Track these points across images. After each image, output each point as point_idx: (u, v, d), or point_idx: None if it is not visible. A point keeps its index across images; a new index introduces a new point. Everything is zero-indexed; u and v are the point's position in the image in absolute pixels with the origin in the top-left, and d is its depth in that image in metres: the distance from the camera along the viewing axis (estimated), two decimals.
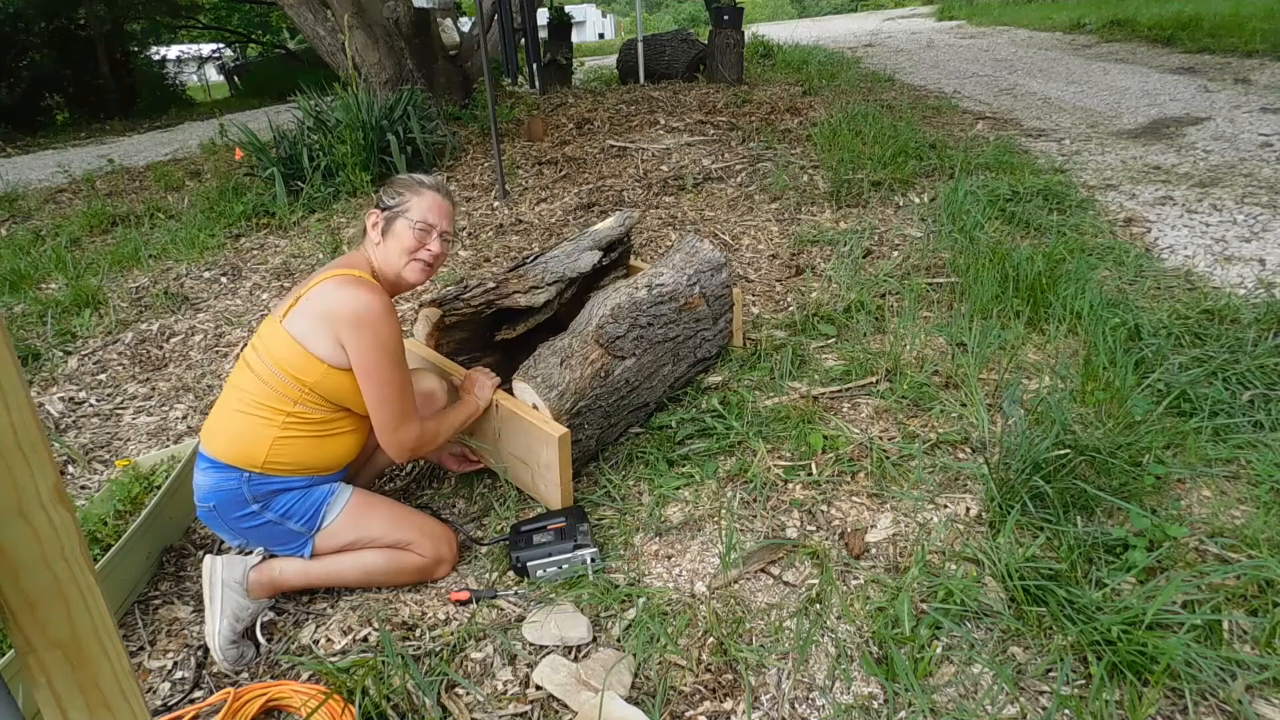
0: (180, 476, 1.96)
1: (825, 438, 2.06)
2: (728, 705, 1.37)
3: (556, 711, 1.39)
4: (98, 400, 2.76)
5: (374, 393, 1.57)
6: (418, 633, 1.59)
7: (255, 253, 4.15)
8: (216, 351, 3.04)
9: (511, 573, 1.72)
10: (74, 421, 2.62)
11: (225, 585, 1.58)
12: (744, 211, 4.05)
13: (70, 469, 2.35)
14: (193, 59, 20.90)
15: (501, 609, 1.63)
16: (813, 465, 1.99)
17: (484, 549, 1.82)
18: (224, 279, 3.81)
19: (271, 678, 1.52)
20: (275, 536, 1.62)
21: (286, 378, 1.54)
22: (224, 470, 1.56)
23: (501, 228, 4.15)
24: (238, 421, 1.56)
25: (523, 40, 7.75)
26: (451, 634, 1.57)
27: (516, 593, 1.67)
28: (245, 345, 1.68)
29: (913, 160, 4.42)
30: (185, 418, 2.59)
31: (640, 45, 8.86)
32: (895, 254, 3.31)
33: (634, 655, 1.46)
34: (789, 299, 3.01)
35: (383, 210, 1.69)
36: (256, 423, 1.55)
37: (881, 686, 1.37)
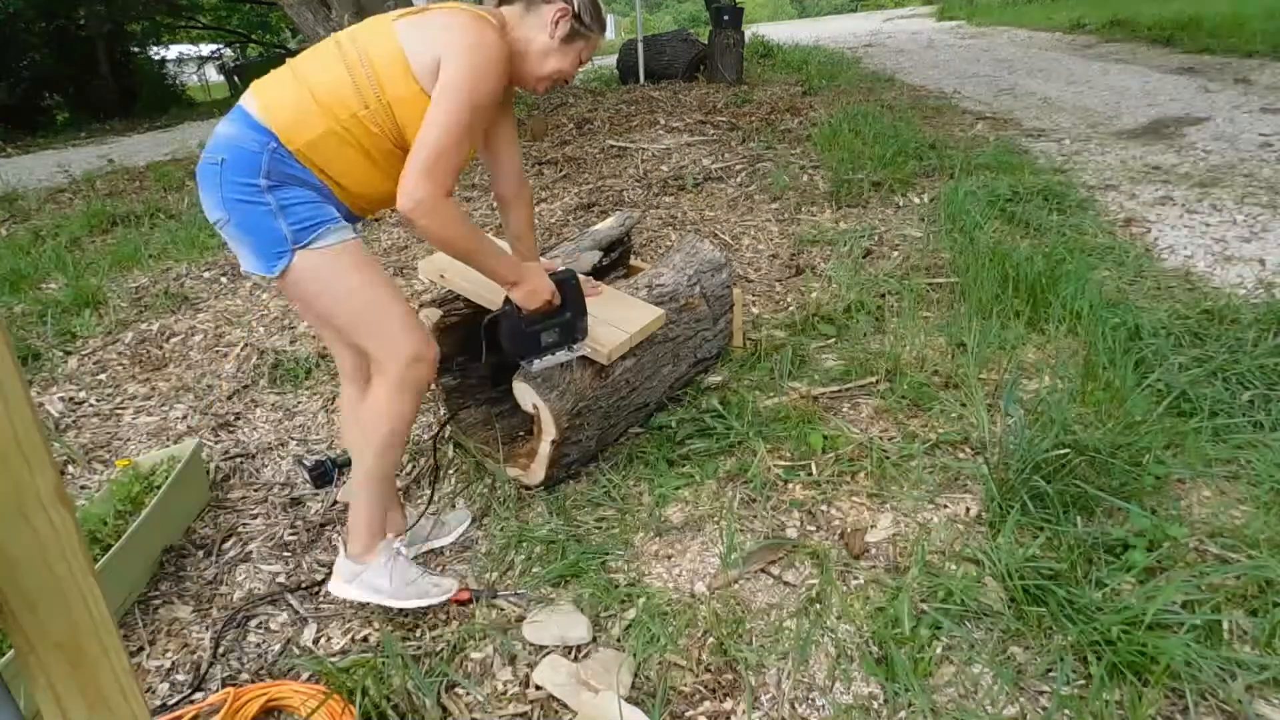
0: (180, 476, 1.96)
1: (825, 438, 2.06)
2: (728, 705, 1.37)
3: (556, 711, 1.39)
4: (98, 400, 2.76)
5: (433, 120, 1.38)
6: (418, 633, 1.59)
7: None
8: (216, 351, 3.04)
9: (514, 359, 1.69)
10: (74, 421, 2.62)
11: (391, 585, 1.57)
12: (744, 211, 4.05)
13: (70, 469, 2.35)
14: (193, 59, 20.91)
15: (501, 609, 1.63)
16: (813, 465, 1.99)
17: (484, 551, 1.82)
18: (224, 279, 3.81)
19: (271, 678, 1.52)
20: (256, 229, 1.41)
21: (372, 77, 1.41)
22: (257, 130, 1.39)
23: (502, 228, 4.14)
24: (303, 95, 1.41)
25: None
26: (452, 634, 1.57)
27: (516, 593, 1.67)
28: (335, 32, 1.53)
29: (913, 160, 4.42)
30: (185, 418, 2.59)
31: (640, 45, 8.86)
32: (895, 254, 3.31)
33: (634, 655, 1.46)
34: (789, 299, 3.01)
35: (575, 18, 1.54)
36: (319, 108, 1.40)
37: (881, 686, 1.37)
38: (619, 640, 1.52)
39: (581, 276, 1.85)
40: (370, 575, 1.57)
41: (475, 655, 1.52)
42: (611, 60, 10.27)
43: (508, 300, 1.63)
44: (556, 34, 1.54)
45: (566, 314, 1.69)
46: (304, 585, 1.78)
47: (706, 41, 8.38)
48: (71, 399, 2.77)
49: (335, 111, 1.40)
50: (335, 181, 1.46)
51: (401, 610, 1.63)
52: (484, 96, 1.42)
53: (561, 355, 1.73)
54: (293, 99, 1.41)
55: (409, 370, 1.50)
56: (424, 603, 1.58)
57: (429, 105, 1.40)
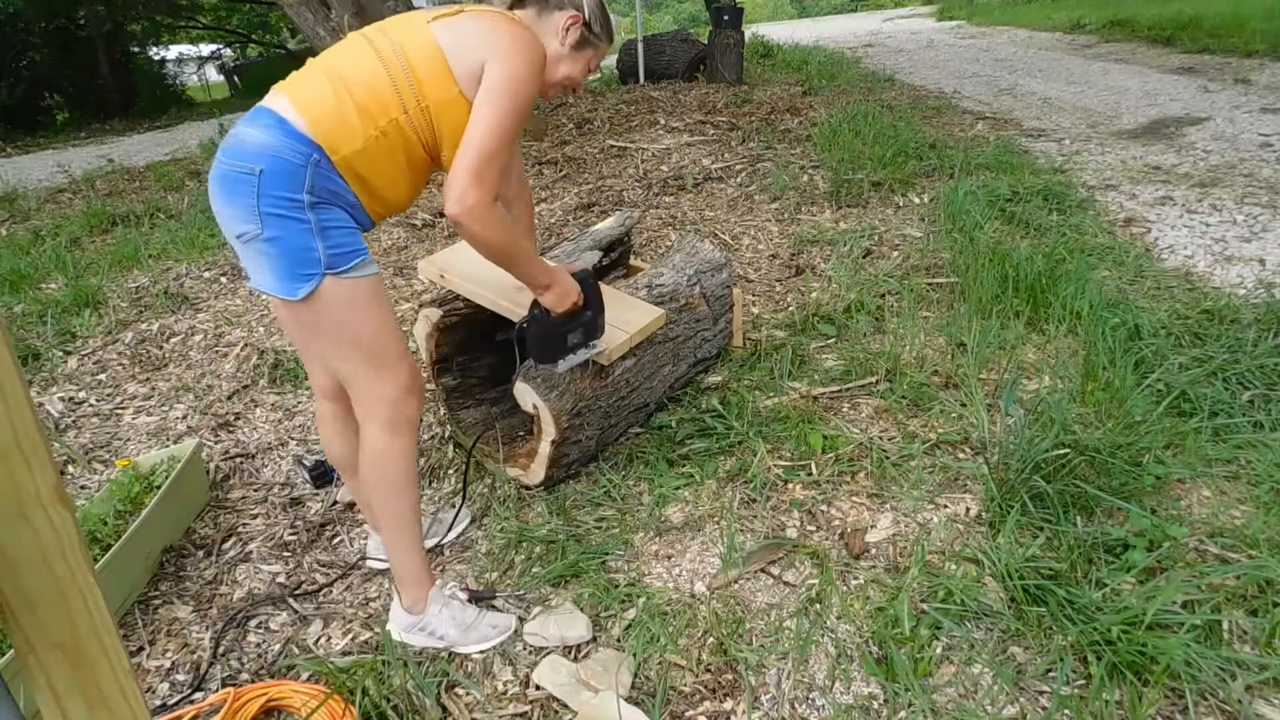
0: (180, 476, 1.96)
1: (825, 438, 2.06)
2: (728, 705, 1.37)
3: (556, 712, 1.39)
4: (98, 400, 2.76)
5: (481, 121, 1.34)
6: None
7: None
8: (216, 351, 3.04)
9: (532, 360, 1.70)
10: (74, 421, 2.62)
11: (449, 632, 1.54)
12: (744, 211, 4.05)
13: (70, 469, 2.35)
14: (193, 59, 20.92)
15: (501, 609, 1.63)
16: (813, 465, 1.99)
17: (484, 551, 1.82)
18: (224, 279, 3.81)
19: (271, 678, 1.52)
20: (291, 247, 1.32)
21: (412, 80, 1.36)
22: (299, 140, 1.30)
23: None
24: (344, 100, 1.33)
25: None
26: None
27: (516, 594, 1.67)
28: (358, 32, 1.48)
29: (913, 160, 4.42)
30: (185, 418, 2.59)
31: (640, 45, 8.86)
32: (895, 254, 3.31)
33: (634, 655, 1.46)
34: (789, 299, 3.01)
35: (585, 26, 1.53)
36: (359, 114, 1.34)
37: (881, 686, 1.37)
38: (619, 640, 1.52)
39: None
40: (428, 623, 1.54)
41: (475, 655, 1.52)
42: (611, 60, 10.27)
43: (536, 304, 1.62)
44: (567, 41, 1.53)
45: (588, 312, 1.70)
46: (304, 586, 1.78)
47: (706, 41, 8.38)
48: (71, 399, 2.77)
49: (375, 116, 1.35)
50: (370, 190, 1.41)
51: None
52: (529, 98, 1.41)
53: (582, 354, 1.75)
54: (334, 106, 1.33)
55: (396, 410, 1.46)
56: (485, 646, 1.54)
57: (469, 109, 1.37)
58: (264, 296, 1.46)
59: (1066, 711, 1.29)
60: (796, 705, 1.36)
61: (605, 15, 1.58)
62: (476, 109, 1.37)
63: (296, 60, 1.54)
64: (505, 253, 1.46)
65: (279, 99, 1.35)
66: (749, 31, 9.71)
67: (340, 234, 1.36)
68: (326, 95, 1.33)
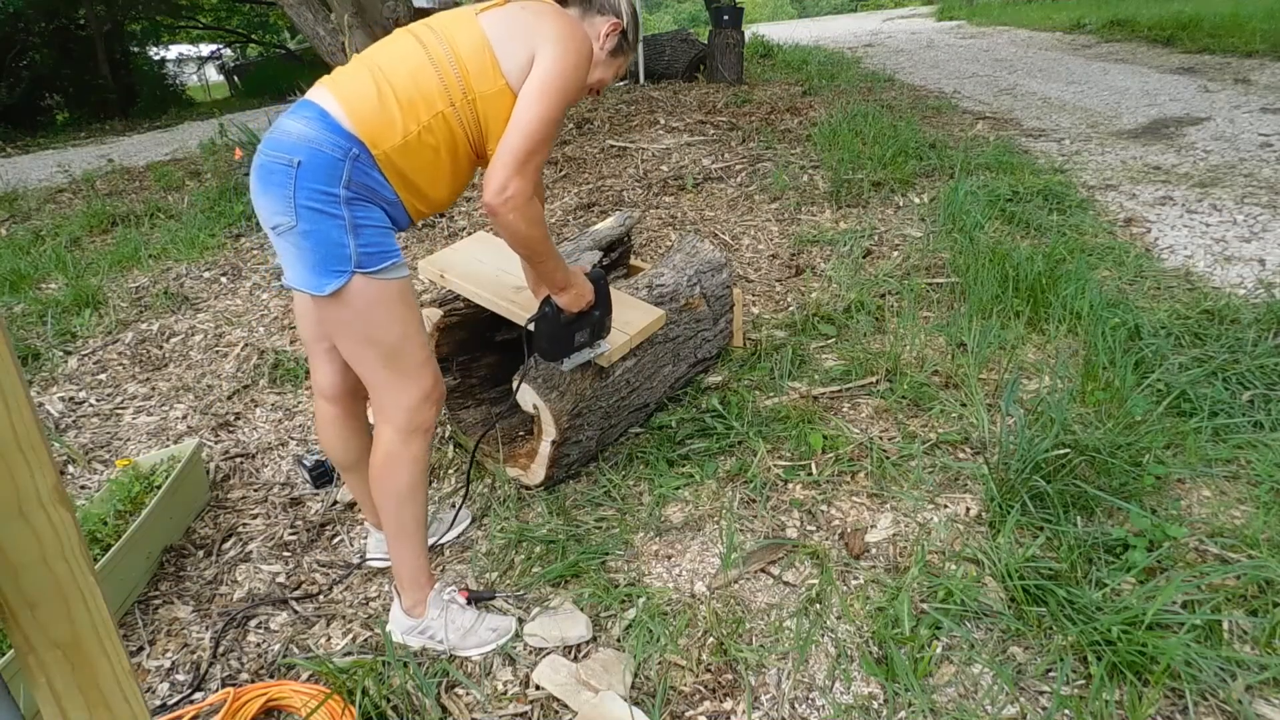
0: (180, 476, 1.96)
1: (825, 438, 2.06)
2: (728, 705, 1.37)
3: (556, 712, 1.39)
4: (98, 400, 2.76)
5: (529, 109, 1.34)
6: None
7: (255, 253, 4.15)
8: (216, 351, 3.04)
9: (539, 355, 1.70)
10: (74, 421, 2.62)
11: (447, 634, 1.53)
12: (744, 211, 4.05)
13: (70, 469, 2.35)
14: (193, 59, 20.91)
15: (501, 609, 1.63)
16: (813, 465, 1.99)
17: (484, 551, 1.82)
18: (224, 279, 3.81)
19: (271, 678, 1.52)
20: (323, 241, 1.30)
21: (459, 73, 1.35)
22: (340, 134, 1.29)
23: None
24: (387, 94, 1.32)
25: None
26: None
27: (515, 594, 1.67)
28: (405, 27, 1.47)
29: (913, 160, 4.42)
30: (185, 418, 2.59)
31: (640, 45, 8.86)
32: (895, 254, 3.31)
33: (634, 655, 1.46)
34: (789, 299, 3.01)
35: (623, 34, 1.54)
36: (402, 108, 1.32)
37: (881, 686, 1.37)
38: (619, 640, 1.52)
39: None
40: (427, 627, 1.54)
41: (475, 656, 1.52)
42: None
43: (547, 302, 1.63)
44: (606, 46, 1.53)
45: (597, 313, 1.72)
46: (304, 586, 1.78)
47: (706, 41, 8.37)
48: (71, 399, 2.77)
49: (419, 111, 1.33)
50: (412, 187, 1.38)
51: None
52: (578, 91, 1.40)
53: (586, 353, 1.77)
54: (376, 101, 1.32)
55: (412, 416, 1.44)
56: (484, 650, 1.54)
57: (514, 101, 1.36)
58: (293, 292, 1.44)
59: (1066, 711, 1.29)
60: (796, 705, 1.36)
61: (638, 24, 1.59)
62: (524, 97, 1.35)
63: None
64: (536, 247, 1.45)
65: (323, 93, 1.34)
66: (749, 31, 9.70)
67: (374, 233, 1.34)
68: (369, 90, 1.32)
